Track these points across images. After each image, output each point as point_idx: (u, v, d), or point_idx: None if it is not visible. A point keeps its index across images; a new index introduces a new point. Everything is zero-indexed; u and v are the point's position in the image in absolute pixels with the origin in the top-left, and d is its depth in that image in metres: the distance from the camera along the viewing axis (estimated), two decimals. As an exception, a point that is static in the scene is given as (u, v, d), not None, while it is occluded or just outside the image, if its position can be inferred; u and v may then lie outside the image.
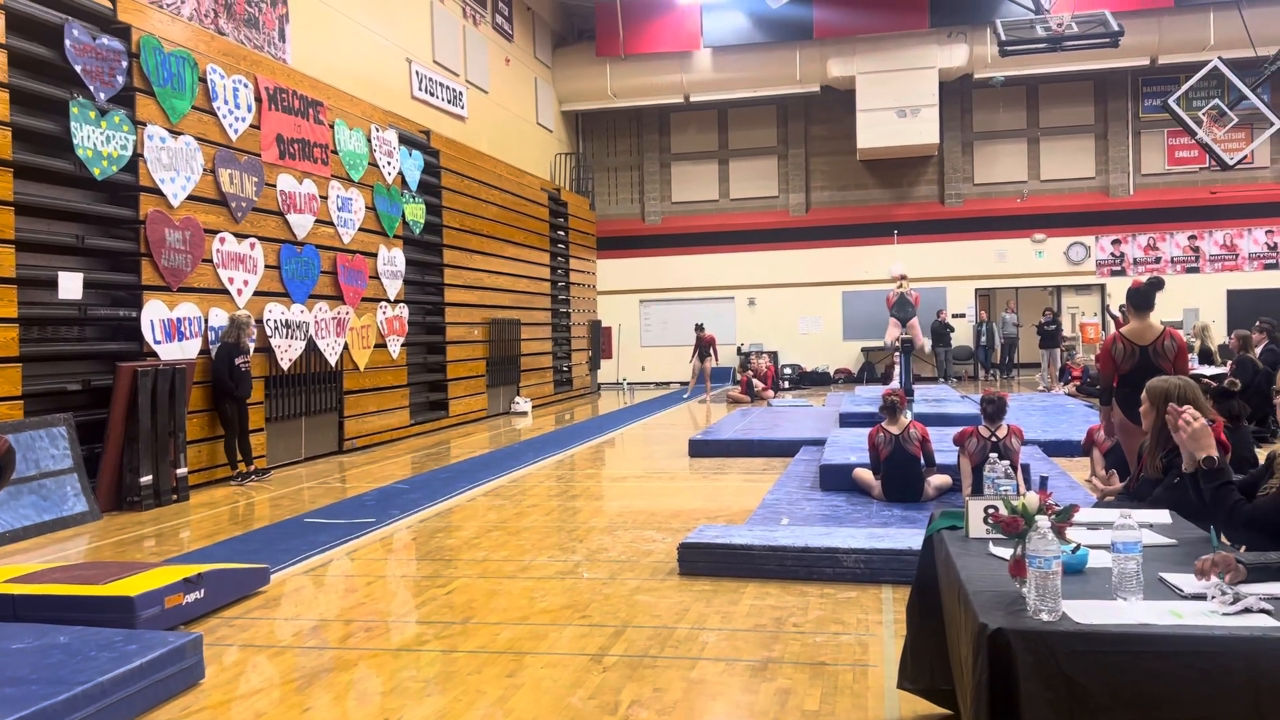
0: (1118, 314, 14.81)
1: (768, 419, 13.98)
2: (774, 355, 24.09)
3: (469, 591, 5.69)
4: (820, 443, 10.56)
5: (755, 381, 19.50)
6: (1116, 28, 15.94)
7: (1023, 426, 8.60)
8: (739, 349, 24.21)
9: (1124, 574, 2.44)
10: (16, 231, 7.90)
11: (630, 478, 10.36)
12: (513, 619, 5.10)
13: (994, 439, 7.24)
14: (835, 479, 8.34)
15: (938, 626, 3.35)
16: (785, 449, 11.02)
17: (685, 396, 20.10)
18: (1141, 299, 6.51)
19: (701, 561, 5.89)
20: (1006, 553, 2.62)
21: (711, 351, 20.17)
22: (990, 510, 2.76)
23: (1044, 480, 7.51)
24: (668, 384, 24.87)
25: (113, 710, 3.75)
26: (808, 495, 8.14)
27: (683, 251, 24.83)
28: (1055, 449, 10.23)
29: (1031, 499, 2.49)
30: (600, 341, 24.13)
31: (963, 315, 23.57)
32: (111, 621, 4.61)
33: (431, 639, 4.84)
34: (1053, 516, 2.46)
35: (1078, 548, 2.68)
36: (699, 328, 20.61)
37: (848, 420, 12.20)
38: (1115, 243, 23.07)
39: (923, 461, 7.67)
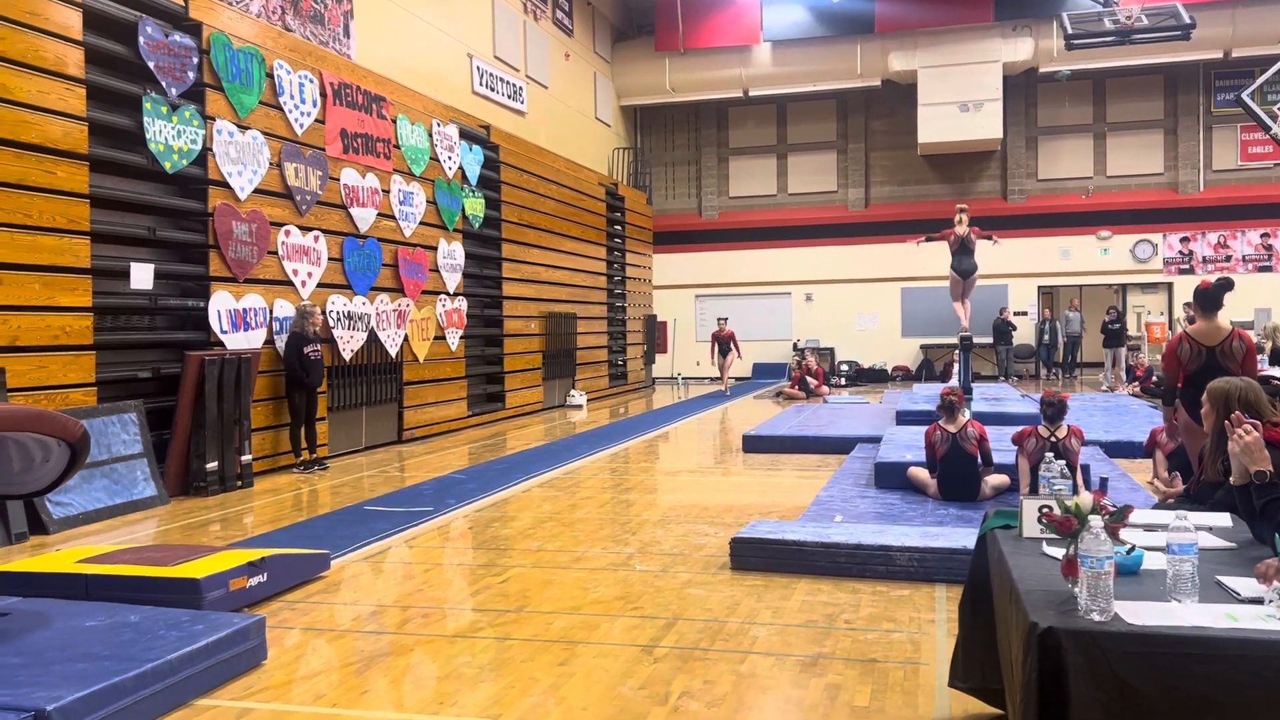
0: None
1: (823, 416, 13.91)
2: (830, 352, 23.97)
3: (523, 581, 5.78)
4: (876, 440, 10.49)
5: (809, 379, 19.37)
6: (1188, 20, 15.56)
7: (1084, 427, 8.48)
8: (795, 345, 24.09)
9: (1179, 576, 2.41)
10: (92, 223, 8.16)
11: (683, 472, 10.39)
12: (565, 608, 5.17)
13: (1053, 439, 7.14)
14: (890, 477, 8.29)
15: (989, 625, 3.34)
16: (840, 446, 10.96)
17: (728, 394, 19.70)
18: (1209, 300, 6.36)
19: (753, 556, 5.90)
20: (1059, 553, 2.60)
21: (733, 347, 19.84)
22: (1044, 510, 2.74)
23: (1104, 481, 7.42)
24: (722, 379, 24.81)
25: (179, 687, 3.88)
26: (862, 493, 8.10)
27: (739, 246, 24.77)
28: (1117, 450, 10.05)
29: (1085, 499, 2.47)
30: (655, 336, 24.18)
31: (1025, 313, 23.19)
32: (179, 602, 4.77)
33: (486, 626, 4.92)
34: (1106, 517, 2.45)
35: (1132, 549, 2.65)
36: (721, 322, 20.24)
37: (904, 418, 12.10)
38: (1184, 240, 22.53)
39: (980, 461, 7.59)
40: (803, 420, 13.26)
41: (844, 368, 23.63)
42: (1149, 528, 3.17)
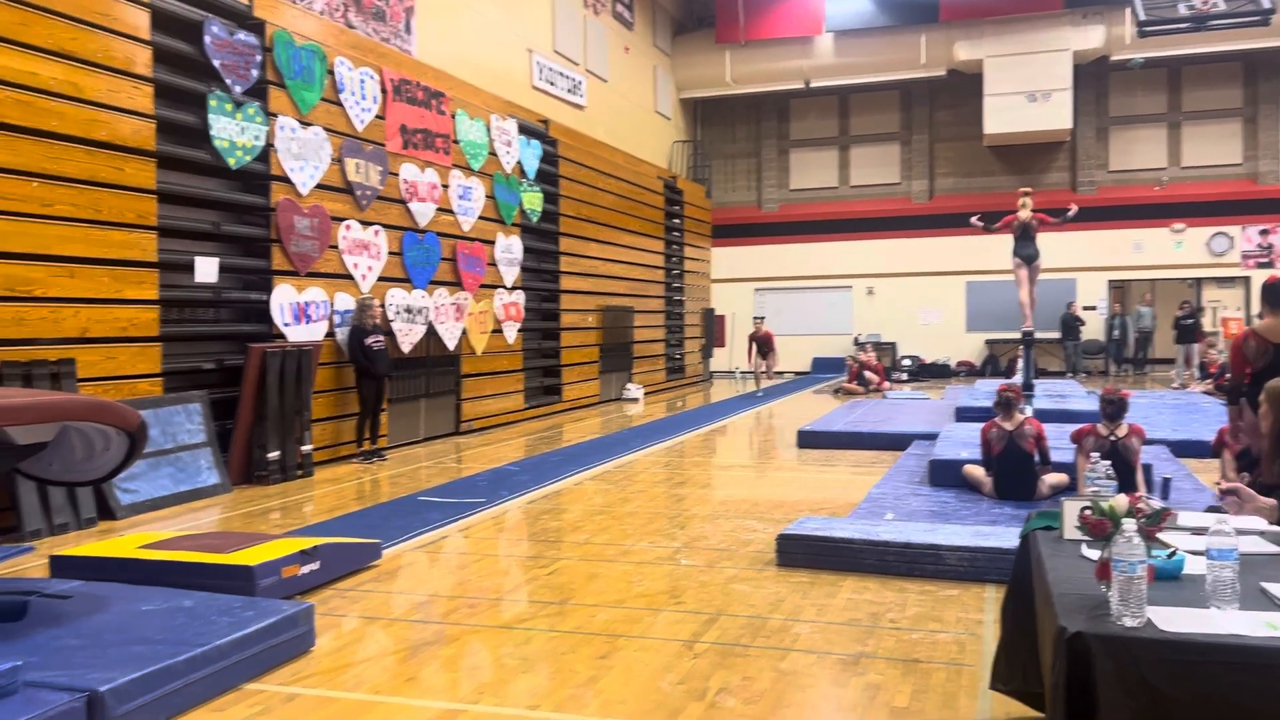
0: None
1: (880, 411, 13.75)
2: (892, 346, 23.68)
3: (569, 573, 5.81)
4: (933, 437, 10.33)
5: (868, 374, 19.13)
6: (1268, 5, 15.02)
7: (1151, 426, 8.27)
8: (855, 339, 23.84)
9: (1218, 582, 2.34)
10: (159, 218, 8.39)
11: (736, 467, 10.36)
12: (609, 602, 5.19)
13: (1113, 438, 6.96)
14: (945, 474, 8.17)
15: (1031, 627, 3.27)
16: (896, 442, 10.83)
17: (759, 395, 18.21)
18: (1277, 295, 6.15)
19: (800, 553, 5.87)
20: (1097, 555, 2.54)
21: (770, 347, 18.58)
22: (1081, 511, 2.68)
23: (1166, 482, 7.24)
24: (781, 374, 24.67)
25: (229, 672, 3.99)
26: (916, 490, 7.99)
27: (800, 239, 24.58)
28: (1185, 450, 9.76)
29: (1120, 501, 2.41)
30: (713, 330, 24.11)
31: (1094, 308, 22.64)
32: (233, 589, 4.89)
33: (530, 618, 4.97)
34: (1142, 520, 2.38)
35: (1174, 552, 2.58)
36: (758, 322, 19.10)
37: (964, 414, 11.89)
38: (1263, 233, 21.78)
39: (1037, 459, 7.44)
40: (859, 416, 13.12)
41: (906, 363, 23.33)
42: (1197, 530, 3.08)
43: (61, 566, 5.37)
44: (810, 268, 24.50)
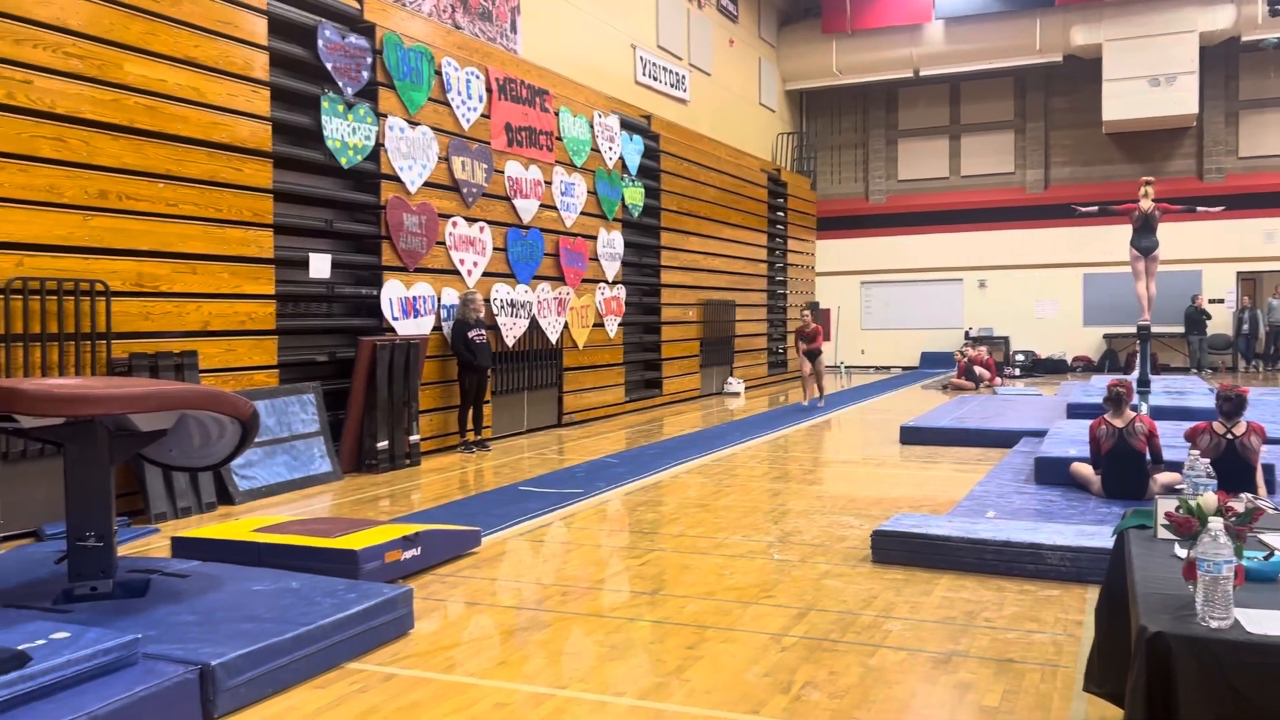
0: None
1: (988, 408, 13.41)
2: (1005, 341, 23.03)
3: (661, 564, 5.87)
4: (1042, 434, 10.04)
5: (978, 369, 18.64)
6: None
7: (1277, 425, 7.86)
8: (966, 333, 23.28)
9: (1316, 585, 2.25)
10: (275, 216, 8.76)
11: (836, 462, 10.25)
12: (699, 593, 5.22)
13: (1229, 437, 6.66)
14: (1052, 472, 7.93)
15: (1125, 628, 3.18)
16: (1003, 439, 10.55)
17: (806, 405, 15.21)
18: None
19: (895, 550, 5.79)
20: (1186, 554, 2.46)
21: (818, 348, 15.11)
22: (1175, 509, 2.60)
23: (1289, 483, 6.87)
24: (888, 368, 24.27)
25: (331, 651, 4.17)
26: (1020, 489, 7.79)
27: (908, 231, 24.11)
28: (1315, 450, 9.23)
29: (1209, 500, 2.33)
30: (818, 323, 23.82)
31: (1221, 301, 21.59)
32: (338, 572, 5.10)
33: (620, 607, 5.04)
34: (1232, 519, 2.30)
35: (1271, 554, 2.48)
36: (806, 315, 15.31)
37: (1075, 411, 11.51)
38: None
39: (1149, 457, 7.16)
40: (966, 412, 12.82)
41: (1019, 358, 22.67)
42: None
43: (181, 547, 5.69)
44: (919, 260, 24.01)
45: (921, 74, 22.93)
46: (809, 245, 24.01)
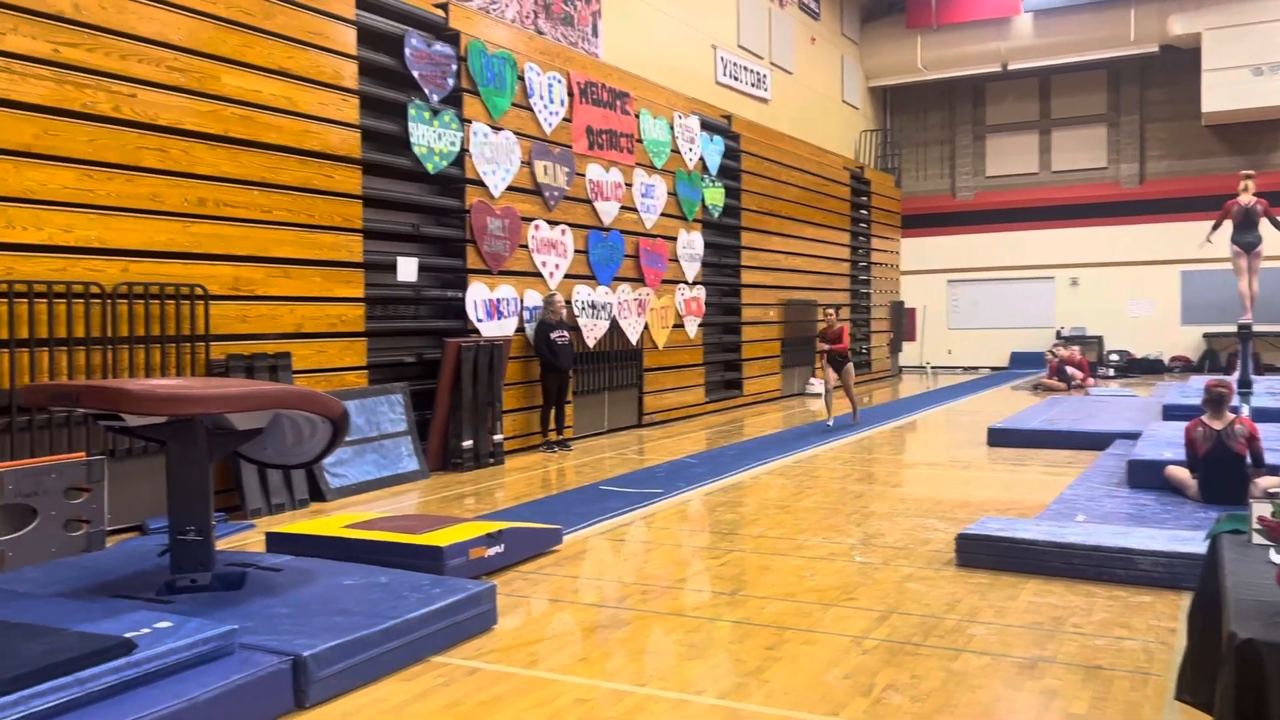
0: None
1: (1080, 409, 13.06)
2: (1098, 340, 22.38)
3: (741, 565, 5.87)
4: (1136, 436, 9.74)
5: (1070, 369, 18.14)
6: None
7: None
8: (1057, 333, 22.68)
9: None
10: (364, 221, 8.99)
11: (921, 464, 10.11)
12: (779, 595, 5.21)
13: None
14: (1145, 476, 7.69)
15: (1218, 636, 3.09)
16: (1095, 442, 10.27)
17: (830, 424, 12.63)
18: None
19: (981, 553, 5.70)
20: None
21: (845, 353, 12.60)
22: (1270, 514, 2.52)
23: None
24: (975, 369, 23.80)
25: (418, 644, 4.27)
26: (1112, 492, 7.57)
27: (996, 228, 23.63)
28: None
29: (1304, 504, 2.26)
30: (902, 323, 23.51)
31: (1330, 298, 20.60)
32: (424, 567, 5.23)
33: (699, 607, 5.06)
34: (1329, 525, 2.22)
35: (1373, 562, 2.39)
36: (829, 315, 12.80)
37: (1172, 413, 11.13)
38: None
39: (1249, 461, 6.91)
40: (1056, 413, 12.51)
41: (1113, 358, 22.02)
42: None
43: (276, 542, 5.89)
44: (1008, 258, 23.50)
45: (1010, 68, 22.42)
46: (893, 244, 23.68)
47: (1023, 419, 11.99)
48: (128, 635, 3.56)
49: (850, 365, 12.77)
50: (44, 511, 5.79)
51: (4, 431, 6.25)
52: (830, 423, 12.70)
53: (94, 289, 6.76)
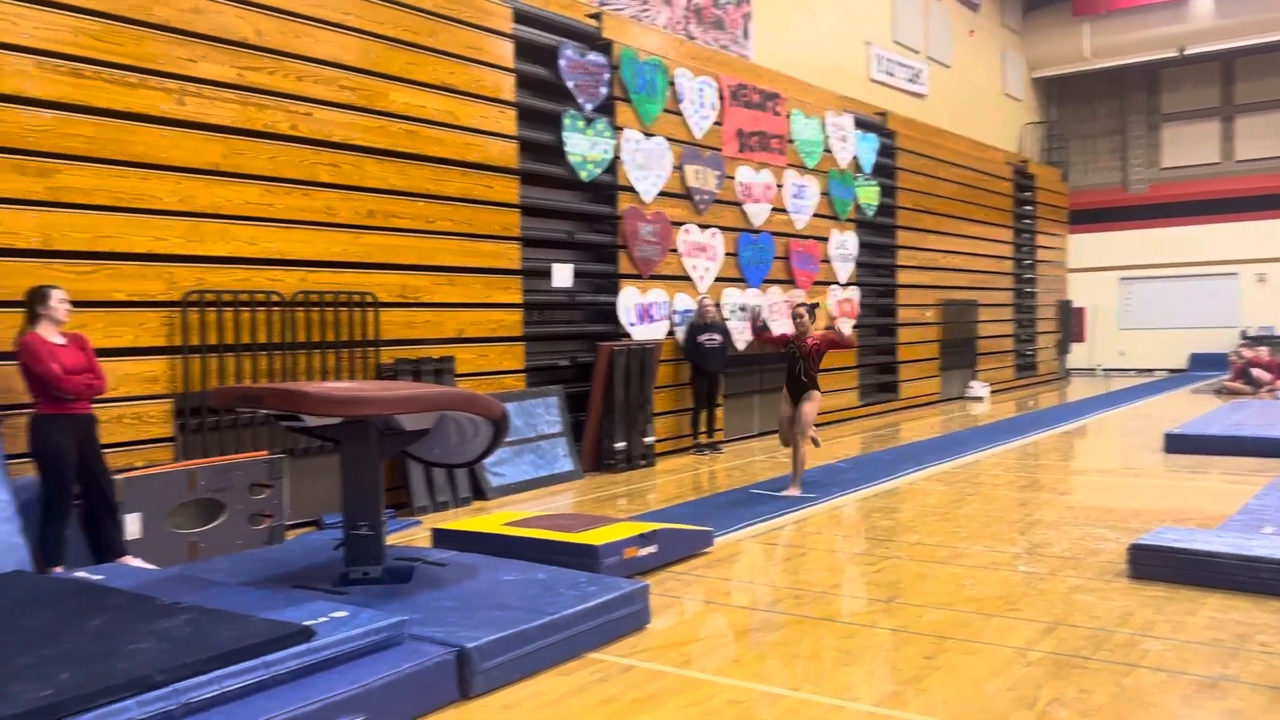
0: None
1: (1268, 414, 12.18)
2: (1288, 340, 20.83)
3: (897, 572, 5.76)
4: (1333, 443, 9.03)
5: (1256, 372, 16.91)
6: None
7: None
8: (1243, 333, 21.21)
9: None
10: (522, 230, 9.27)
11: (1091, 471, 9.65)
12: (937, 603, 5.09)
13: None
14: (1345, 486, 7.12)
15: None
16: (1286, 449, 9.57)
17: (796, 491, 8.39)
18: None
19: (1157, 565, 5.40)
20: None
21: (815, 361, 8.32)
22: None
23: None
24: (1150, 371, 22.51)
25: (574, 640, 4.38)
26: (1306, 503, 7.04)
27: (1173, 222, 22.30)
28: None
29: None
30: (1071, 323, 22.46)
31: None
32: (579, 565, 5.34)
33: (854, 613, 4.99)
34: None
35: None
36: (803, 307, 8.61)
37: (1376, 418, 10.27)
38: None
39: None
40: (1241, 418, 11.71)
41: (1306, 359, 20.41)
42: None
43: (441, 538, 6.14)
44: (1187, 253, 22.14)
45: (1187, 52, 21.11)
46: (1060, 240, 22.66)
47: (1204, 424, 11.28)
48: (307, 623, 3.79)
49: (816, 395, 8.22)
50: (231, 506, 6.23)
51: (196, 431, 6.75)
52: (794, 490, 8.17)
53: (275, 298, 7.22)
